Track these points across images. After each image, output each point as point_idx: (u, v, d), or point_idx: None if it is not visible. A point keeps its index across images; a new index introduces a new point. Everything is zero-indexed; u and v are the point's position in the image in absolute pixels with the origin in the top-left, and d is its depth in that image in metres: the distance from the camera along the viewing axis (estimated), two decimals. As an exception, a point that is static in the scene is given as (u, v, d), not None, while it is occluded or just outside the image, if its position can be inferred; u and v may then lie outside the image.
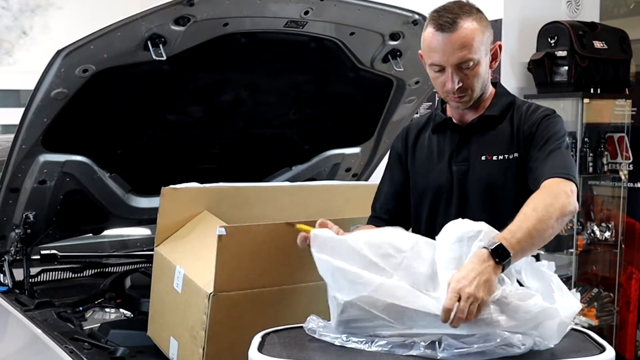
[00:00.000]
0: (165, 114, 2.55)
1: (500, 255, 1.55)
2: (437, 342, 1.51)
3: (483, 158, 1.94)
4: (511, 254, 1.56)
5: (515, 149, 1.93)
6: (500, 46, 1.94)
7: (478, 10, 1.89)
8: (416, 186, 2.04)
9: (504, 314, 1.54)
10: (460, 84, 1.86)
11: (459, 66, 1.85)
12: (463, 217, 1.78)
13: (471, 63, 1.85)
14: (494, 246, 1.56)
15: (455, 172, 1.98)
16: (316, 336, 1.63)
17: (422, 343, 1.52)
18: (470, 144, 1.97)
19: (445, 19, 1.82)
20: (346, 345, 1.58)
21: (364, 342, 1.57)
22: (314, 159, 3.06)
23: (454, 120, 2.00)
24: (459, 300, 1.50)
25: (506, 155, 1.93)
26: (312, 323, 1.66)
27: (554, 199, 1.70)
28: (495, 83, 2.03)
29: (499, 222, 1.83)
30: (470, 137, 1.97)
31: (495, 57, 1.94)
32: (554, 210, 1.67)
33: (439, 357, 1.49)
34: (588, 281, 4.36)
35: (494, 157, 1.93)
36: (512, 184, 1.92)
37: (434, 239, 1.71)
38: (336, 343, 1.59)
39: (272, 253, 2.00)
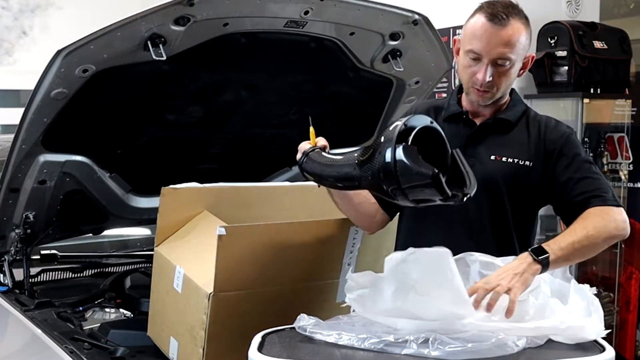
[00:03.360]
0: (165, 114, 2.55)
1: (538, 253, 1.68)
2: (430, 340, 1.51)
3: (492, 157, 1.95)
4: (549, 254, 1.69)
5: (529, 158, 1.94)
6: (533, 58, 1.96)
7: (525, 15, 1.93)
8: None
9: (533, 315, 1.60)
10: (491, 79, 1.88)
11: (496, 61, 1.87)
12: (458, 214, 1.89)
13: (508, 62, 1.87)
14: (535, 246, 1.70)
15: None
16: (307, 334, 1.63)
17: (415, 341, 1.52)
18: (481, 142, 1.97)
19: (499, 12, 1.85)
20: (339, 343, 1.57)
21: (356, 340, 1.56)
22: (314, 159, 3.06)
23: (469, 116, 2.01)
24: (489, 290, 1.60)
25: (517, 160, 1.94)
26: (303, 321, 1.66)
27: (608, 222, 1.81)
28: (512, 90, 2.03)
29: (496, 221, 1.85)
30: (483, 136, 1.98)
31: (525, 66, 1.95)
32: (604, 231, 1.80)
33: (431, 356, 1.49)
34: (588, 281, 4.32)
35: (504, 159, 1.95)
36: (516, 188, 1.93)
37: (424, 228, 1.87)
38: (328, 340, 1.59)
39: (272, 253, 2.00)
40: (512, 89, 2.04)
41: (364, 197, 2.06)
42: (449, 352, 1.48)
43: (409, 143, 1.63)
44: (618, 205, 1.86)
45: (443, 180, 1.59)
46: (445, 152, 1.72)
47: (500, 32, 1.85)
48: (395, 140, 1.62)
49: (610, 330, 4.14)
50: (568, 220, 1.87)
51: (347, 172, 1.77)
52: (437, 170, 1.59)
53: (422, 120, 1.72)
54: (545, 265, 1.68)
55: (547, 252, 1.69)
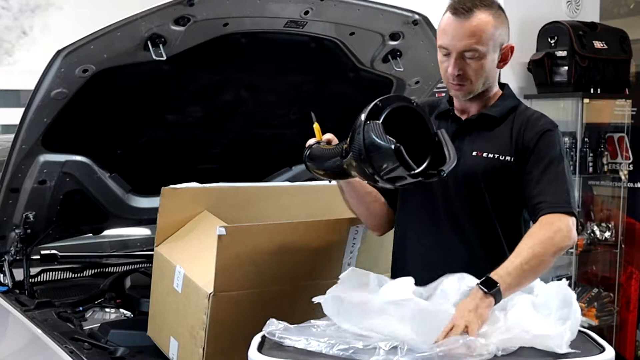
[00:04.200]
0: (165, 114, 2.55)
1: (488, 286, 1.65)
2: (398, 347, 1.51)
3: (474, 154, 1.96)
4: (499, 284, 1.65)
5: (510, 153, 1.93)
6: (511, 48, 1.95)
7: (499, 7, 1.92)
8: None
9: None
10: (461, 72, 1.89)
11: (463, 54, 1.88)
12: (443, 208, 1.93)
13: (476, 54, 1.88)
14: (482, 280, 1.67)
15: None
16: (275, 339, 1.62)
17: (383, 348, 1.51)
18: (465, 138, 1.98)
19: (462, 5, 1.87)
20: (307, 349, 1.57)
21: (325, 346, 1.56)
22: (314, 159, 3.06)
23: (456, 112, 2.02)
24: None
25: (497, 156, 1.94)
26: (272, 326, 1.65)
27: (553, 234, 1.77)
28: (504, 85, 2.04)
29: (478, 216, 1.91)
30: (467, 132, 1.99)
31: (504, 58, 1.95)
32: (550, 246, 1.75)
33: None
34: (588, 281, 4.35)
35: (484, 154, 1.95)
36: (496, 184, 1.94)
37: (414, 222, 1.90)
38: (297, 346, 1.58)
39: (272, 253, 2.00)
40: (505, 85, 2.04)
41: (374, 197, 2.08)
42: (419, 358, 1.47)
43: (380, 121, 1.66)
44: (567, 212, 1.81)
45: (404, 153, 1.62)
46: (429, 134, 1.76)
47: (464, 24, 1.86)
48: (366, 117, 1.66)
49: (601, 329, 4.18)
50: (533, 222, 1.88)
51: (338, 161, 1.80)
52: (398, 144, 1.62)
53: (399, 100, 1.76)
54: (497, 295, 1.66)
55: (496, 283, 1.66)
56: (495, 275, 1.67)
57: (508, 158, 1.93)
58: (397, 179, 1.69)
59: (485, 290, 1.65)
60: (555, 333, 1.57)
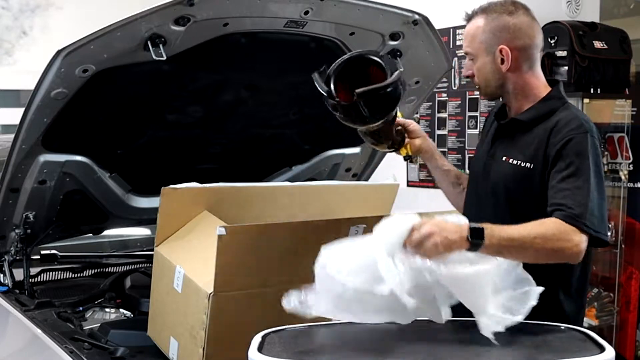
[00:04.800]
0: (165, 114, 2.55)
1: (475, 235, 1.62)
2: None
3: (503, 159, 1.98)
4: (484, 241, 1.63)
5: (531, 160, 1.91)
6: (506, 49, 1.96)
7: (509, 12, 1.96)
8: (470, 161, 2.18)
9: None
10: (468, 74, 2.04)
11: (466, 54, 2.05)
12: (476, 209, 1.96)
13: (471, 56, 2.02)
14: (477, 226, 1.64)
15: (482, 165, 2.06)
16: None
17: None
18: (500, 142, 2.03)
19: (470, 13, 2.02)
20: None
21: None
22: (314, 159, 3.06)
23: (507, 114, 2.07)
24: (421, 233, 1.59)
25: (519, 162, 1.93)
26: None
27: (560, 238, 1.72)
28: (555, 85, 2.03)
29: (497, 222, 1.84)
30: (502, 136, 2.04)
31: (506, 58, 1.97)
32: (550, 245, 1.71)
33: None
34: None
35: (510, 161, 1.96)
36: (517, 192, 1.93)
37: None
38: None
39: (272, 253, 2.00)
40: (555, 85, 2.03)
41: (452, 179, 2.24)
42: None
43: (338, 71, 1.98)
44: (583, 229, 1.74)
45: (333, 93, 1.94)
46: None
47: (465, 29, 2.04)
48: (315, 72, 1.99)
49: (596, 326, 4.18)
50: None
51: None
52: (327, 88, 1.95)
53: (358, 52, 2.06)
54: (474, 247, 1.63)
55: (482, 239, 1.62)
56: (489, 230, 1.64)
57: (528, 165, 1.91)
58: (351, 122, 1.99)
59: (469, 237, 1.62)
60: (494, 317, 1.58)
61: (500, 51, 1.96)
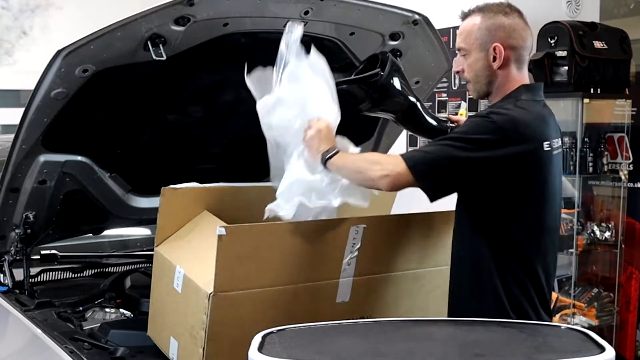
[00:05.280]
0: (165, 114, 2.55)
1: (327, 154, 2.06)
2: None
3: None
4: (331, 161, 2.06)
5: None
6: (500, 47, 2.01)
7: (505, 13, 2.04)
8: None
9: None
10: (459, 70, 2.10)
11: (460, 52, 2.09)
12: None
13: (464, 52, 2.07)
14: (329, 153, 2.06)
15: None
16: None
17: None
18: None
19: (465, 11, 2.09)
20: None
21: None
22: (314, 159, 3.06)
23: None
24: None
25: None
26: None
27: (380, 165, 1.98)
28: (523, 88, 2.05)
29: (457, 221, 2.06)
30: None
31: (499, 56, 2.02)
32: (368, 170, 2.01)
33: None
34: (588, 281, 4.36)
35: None
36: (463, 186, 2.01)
37: None
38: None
39: (272, 253, 2.00)
40: (521, 88, 2.05)
41: None
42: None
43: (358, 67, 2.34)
44: (407, 162, 1.92)
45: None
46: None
47: (460, 26, 2.09)
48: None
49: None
50: None
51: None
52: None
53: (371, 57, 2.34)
54: (324, 164, 2.06)
55: (330, 159, 2.05)
56: (332, 159, 2.05)
57: None
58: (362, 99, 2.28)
59: (323, 153, 2.06)
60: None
61: (494, 49, 2.01)
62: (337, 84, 2.20)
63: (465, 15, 2.09)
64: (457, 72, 2.12)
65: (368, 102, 2.26)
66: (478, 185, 1.94)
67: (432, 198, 1.94)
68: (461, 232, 2.05)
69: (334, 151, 2.06)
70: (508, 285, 1.96)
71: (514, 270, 1.97)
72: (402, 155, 1.95)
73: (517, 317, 1.94)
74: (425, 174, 1.92)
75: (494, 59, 2.02)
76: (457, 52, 2.10)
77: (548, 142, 1.95)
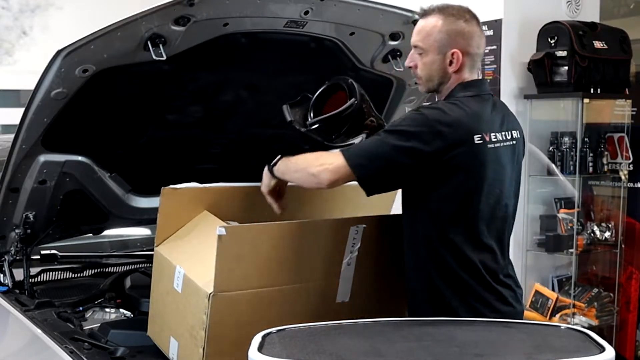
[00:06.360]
0: (165, 114, 2.55)
1: (273, 165, 2.16)
2: None
3: None
4: (275, 170, 2.15)
5: None
6: (458, 54, 2.07)
7: (465, 20, 2.08)
8: None
9: None
10: (412, 65, 2.14)
11: (414, 49, 2.12)
12: None
13: (420, 50, 2.10)
14: (276, 159, 2.16)
15: None
16: None
17: None
18: None
19: (426, 8, 2.12)
20: None
21: None
22: (314, 159, 3.06)
23: None
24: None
25: None
26: None
27: (321, 164, 2.03)
28: (464, 86, 2.10)
29: (404, 220, 2.13)
30: None
31: (456, 61, 2.07)
32: (311, 167, 2.06)
33: None
34: (588, 281, 4.36)
35: None
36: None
37: None
38: None
39: (272, 253, 2.00)
40: (459, 85, 2.10)
41: None
42: None
43: (314, 100, 2.32)
44: (346, 156, 1.98)
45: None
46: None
47: (419, 23, 2.12)
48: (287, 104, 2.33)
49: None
50: None
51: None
52: (290, 119, 2.29)
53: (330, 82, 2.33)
54: (270, 171, 2.15)
55: (274, 165, 2.14)
56: (282, 158, 2.14)
57: None
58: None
59: (269, 167, 2.15)
60: None
61: (452, 54, 2.07)
62: (311, 124, 2.25)
63: (425, 13, 2.12)
64: (410, 67, 2.16)
65: (344, 134, 2.26)
66: (410, 174, 2.00)
67: (369, 190, 2.01)
68: (404, 234, 2.13)
69: (278, 157, 2.14)
70: (449, 285, 2.03)
71: (451, 266, 2.03)
72: (340, 150, 2.03)
73: (466, 313, 2.00)
74: (362, 164, 1.99)
75: (451, 63, 2.08)
76: (413, 47, 2.13)
77: (480, 136, 2.00)
